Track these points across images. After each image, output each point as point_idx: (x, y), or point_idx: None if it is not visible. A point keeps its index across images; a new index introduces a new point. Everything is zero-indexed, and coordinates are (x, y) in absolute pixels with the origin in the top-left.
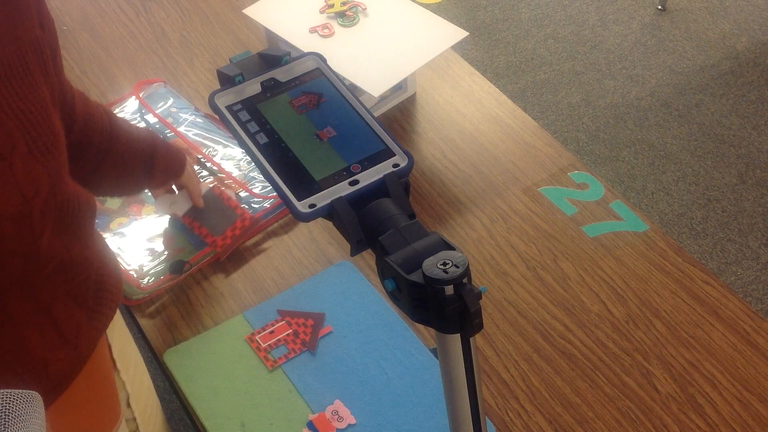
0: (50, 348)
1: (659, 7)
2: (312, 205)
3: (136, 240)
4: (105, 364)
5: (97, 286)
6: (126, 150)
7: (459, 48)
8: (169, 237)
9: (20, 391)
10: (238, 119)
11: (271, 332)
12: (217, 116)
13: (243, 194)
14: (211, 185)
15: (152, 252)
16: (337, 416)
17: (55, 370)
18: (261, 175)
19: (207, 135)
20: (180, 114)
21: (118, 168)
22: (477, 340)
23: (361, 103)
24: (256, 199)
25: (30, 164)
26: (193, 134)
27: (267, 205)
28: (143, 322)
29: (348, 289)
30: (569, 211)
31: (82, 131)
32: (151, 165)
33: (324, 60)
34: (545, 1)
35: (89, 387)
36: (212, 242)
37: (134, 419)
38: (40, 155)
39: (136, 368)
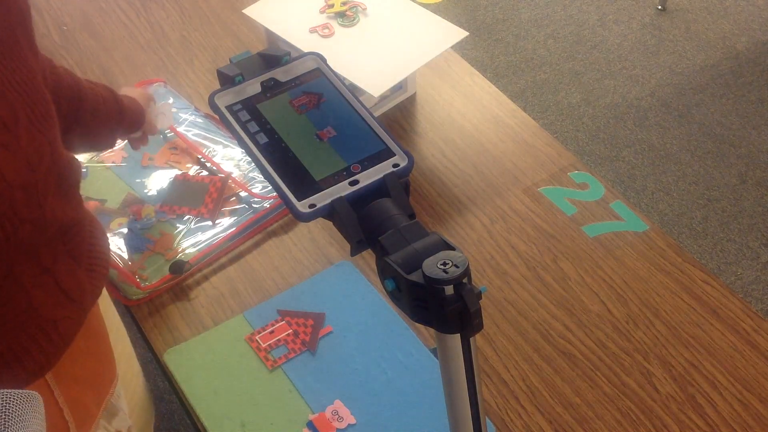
0: (57, 307)
1: (659, 7)
2: (312, 205)
3: (136, 240)
4: (99, 323)
5: (90, 246)
6: (93, 113)
7: (459, 48)
8: (165, 237)
9: (20, 391)
10: (238, 119)
11: (271, 332)
12: (217, 116)
13: (243, 194)
14: (174, 176)
15: (152, 252)
16: (337, 416)
17: (64, 328)
18: (261, 175)
19: (207, 135)
20: (180, 114)
21: (85, 129)
22: (477, 340)
23: (361, 103)
24: (256, 199)
25: (32, 134)
26: (193, 134)
27: (267, 205)
28: (143, 322)
29: (348, 289)
30: (569, 211)
31: (51, 95)
32: (118, 124)
33: (324, 60)
34: (545, 1)
35: (87, 343)
36: (197, 214)
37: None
38: (39, 125)
39: (118, 333)
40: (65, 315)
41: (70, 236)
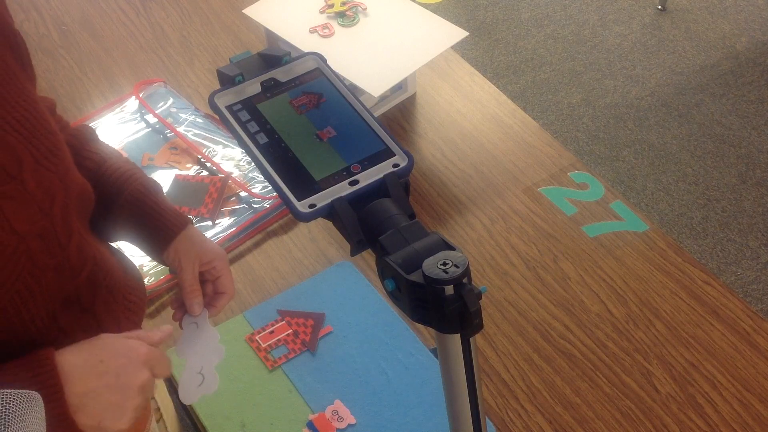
0: None
1: (659, 7)
2: (312, 205)
3: None
4: None
5: (124, 279)
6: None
7: (459, 48)
8: None
9: (20, 391)
10: (238, 119)
11: (271, 332)
12: (217, 116)
13: (243, 194)
14: (174, 176)
15: None
16: (337, 416)
17: None
18: (261, 175)
19: (207, 135)
20: (180, 114)
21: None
22: (477, 340)
23: (361, 103)
24: (256, 199)
25: (40, 174)
26: (193, 134)
27: (267, 205)
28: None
29: (348, 289)
30: (569, 211)
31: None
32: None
33: (324, 60)
34: (545, 1)
35: None
36: (197, 214)
37: (158, 409)
38: (47, 162)
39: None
40: None
41: (105, 274)
